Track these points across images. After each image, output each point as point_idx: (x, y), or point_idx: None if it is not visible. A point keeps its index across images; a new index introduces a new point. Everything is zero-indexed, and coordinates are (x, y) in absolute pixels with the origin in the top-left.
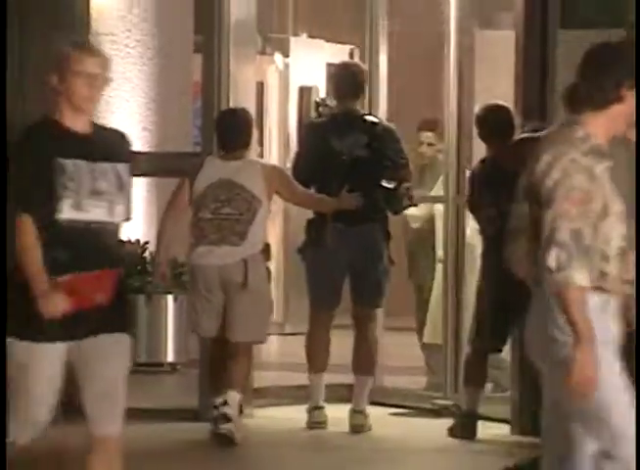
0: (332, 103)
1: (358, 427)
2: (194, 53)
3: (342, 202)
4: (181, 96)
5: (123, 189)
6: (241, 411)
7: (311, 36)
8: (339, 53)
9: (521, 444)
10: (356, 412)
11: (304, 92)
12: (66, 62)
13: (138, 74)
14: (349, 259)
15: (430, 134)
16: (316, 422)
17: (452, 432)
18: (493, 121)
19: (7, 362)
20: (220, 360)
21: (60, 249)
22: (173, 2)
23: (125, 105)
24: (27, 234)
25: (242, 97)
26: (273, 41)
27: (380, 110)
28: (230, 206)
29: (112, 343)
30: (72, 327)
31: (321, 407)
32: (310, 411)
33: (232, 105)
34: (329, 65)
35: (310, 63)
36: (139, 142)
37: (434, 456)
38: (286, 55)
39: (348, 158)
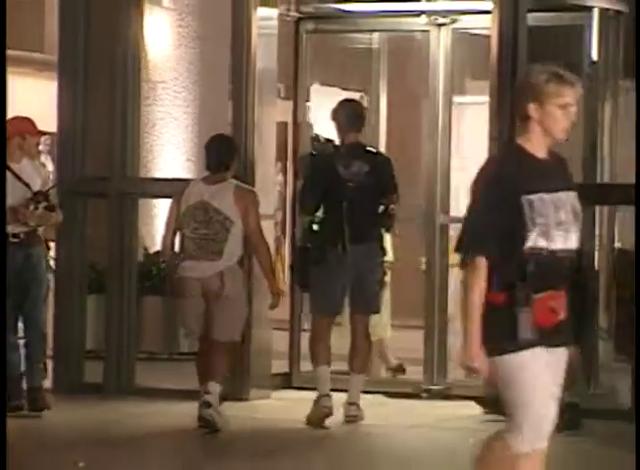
0: (322, 139)
1: (352, 417)
2: (228, 100)
3: (272, 288)
4: (217, 132)
5: (578, 218)
6: (222, 400)
7: (326, 84)
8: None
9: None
10: (351, 404)
11: (301, 127)
12: (545, 92)
13: (183, 115)
14: (351, 273)
15: None
16: (324, 406)
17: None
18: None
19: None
20: (204, 356)
21: (527, 273)
22: (214, 57)
23: (173, 140)
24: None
25: (265, 134)
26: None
27: (380, 141)
28: (207, 227)
29: (563, 355)
30: (549, 337)
31: (328, 395)
32: (319, 399)
33: (256, 141)
34: None
35: (329, 106)
36: (184, 170)
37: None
38: (307, 100)
39: (353, 184)
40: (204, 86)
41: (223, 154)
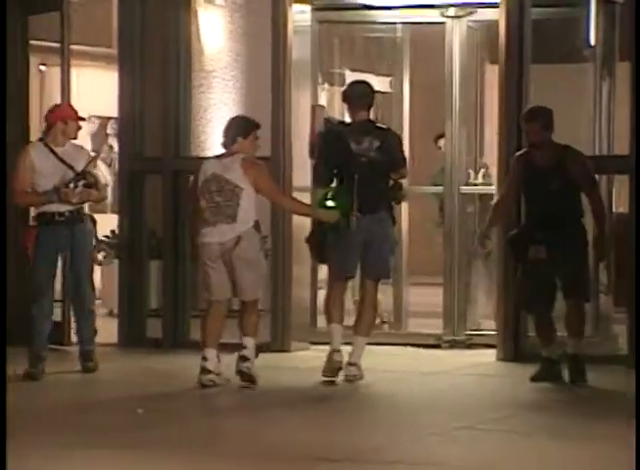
0: (334, 120)
1: (352, 377)
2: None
3: (321, 215)
4: (262, 116)
5: None
6: (257, 354)
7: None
8: (382, 82)
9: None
10: (351, 365)
11: (316, 110)
12: None
13: (232, 101)
14: (364, 240)
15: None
16: (336, 361)
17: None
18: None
19: None
20: (215, 318)
21: None
22: (257, 49)
23: (223, 123)
24: None
25: (301, 116)
26: (334, 75)
27: (404, 121)
28: (219, 195)
29: None
30: None
31: (339, 350)
32: (331, 353)
33: (293, 122)
34: (380, 92)
35: None
36: None
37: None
38: (342, 85)
39: (365, 159)
40: (249, 75)
41: (234, 132)
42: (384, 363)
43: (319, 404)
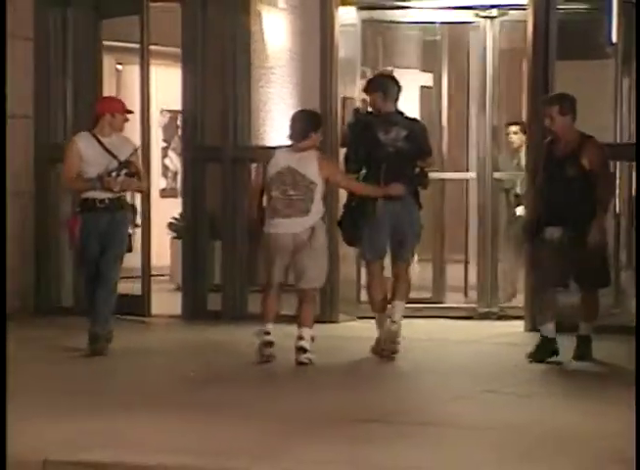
0: (363, 111)
1: (393, 333)
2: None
3: (390, 190)
4: (313, 109)
5: None
6: (312, 340)
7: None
8: (429, 78)
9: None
10: (393, 322)
11: (347, 102)
12: None
13: (290, 96)
14: (393, 224)
15: (515, 127)
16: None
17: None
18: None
19: None
20: (275, 299)
21: None
22: (310, 48)
23: (282, 117)
24: None
25: (347, 111)
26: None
27: (443, 112)
28: (294, 189)
29: None
30: None
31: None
32: (380, 337)
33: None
34: (422, 87)
35: (409, 85)
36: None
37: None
38: None
39: (392, 148)
40: (303, 72)
41: (306, 126)
42: (419, 332)
43: (358, 370)
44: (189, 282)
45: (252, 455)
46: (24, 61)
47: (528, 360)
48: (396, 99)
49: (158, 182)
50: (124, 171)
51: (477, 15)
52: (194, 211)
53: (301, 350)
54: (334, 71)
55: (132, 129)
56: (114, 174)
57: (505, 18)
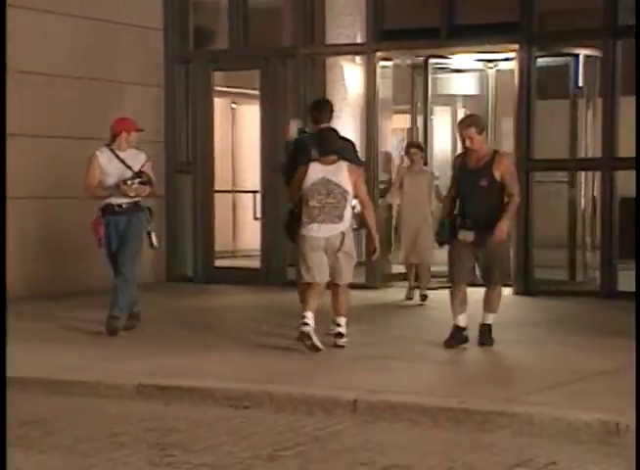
0: (304, 130)
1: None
2: None
3: (372, 242)
4: (361, 135)
5: None
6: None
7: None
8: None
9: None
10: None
11: (291, 123)
12: None
13: (352, 128)
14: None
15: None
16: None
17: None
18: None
19: None
20: (316, 295)
21: None
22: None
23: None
24: None
25: (384, 136)
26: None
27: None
28: (330, 197)
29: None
30: None
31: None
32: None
33: (380, 139)
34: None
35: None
36: None
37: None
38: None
39: None
40: (356, 109)
41: (333, 144)
42: (434, 301)
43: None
44: (270, 261)
45: (290, 381)
46: (158, 102)
47: (445, 346)
48: (328, 119)
49: None
50: (137, 180)
51: (484, 66)
52: (272, 208)
53: (339, 335)
54: (375, 108)
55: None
56: (129, 183)
57: (499, 68)
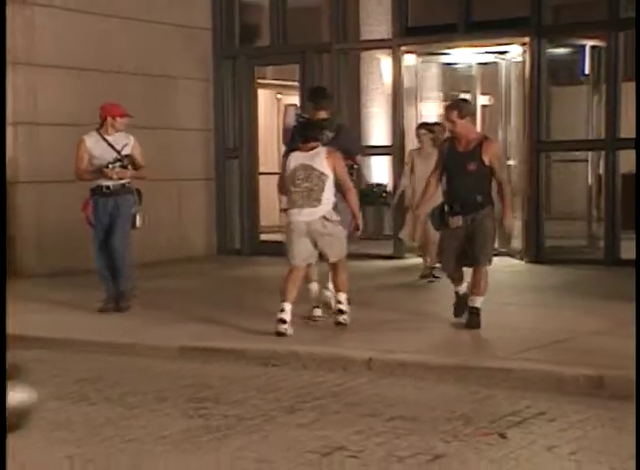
0: (303, 116)
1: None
2: None
3: (356, 221)
4: (387, 122)
5: None
6: (349, 303)
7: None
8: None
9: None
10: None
11: (289, 108)
12: None
13: (376, 115)
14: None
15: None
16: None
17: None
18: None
19: None
20: (294, 280)
21: None
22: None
23: (374, 127)
24: None
25: (408, 122)
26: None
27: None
28: (307, 181)
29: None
30: None
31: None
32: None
33: (405, 126)
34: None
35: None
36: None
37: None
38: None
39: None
40: (383, 100)
41: (313, 132)
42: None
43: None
44: None
45: (313, 343)
46: (207, 95)
47: (454, 316)
48: (325, 107)
49: None
50: (118, 164)
51: (495, 57)
52: None
53: (339, 311)
54: (400, 98)
55: None
56: (110, 166)
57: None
